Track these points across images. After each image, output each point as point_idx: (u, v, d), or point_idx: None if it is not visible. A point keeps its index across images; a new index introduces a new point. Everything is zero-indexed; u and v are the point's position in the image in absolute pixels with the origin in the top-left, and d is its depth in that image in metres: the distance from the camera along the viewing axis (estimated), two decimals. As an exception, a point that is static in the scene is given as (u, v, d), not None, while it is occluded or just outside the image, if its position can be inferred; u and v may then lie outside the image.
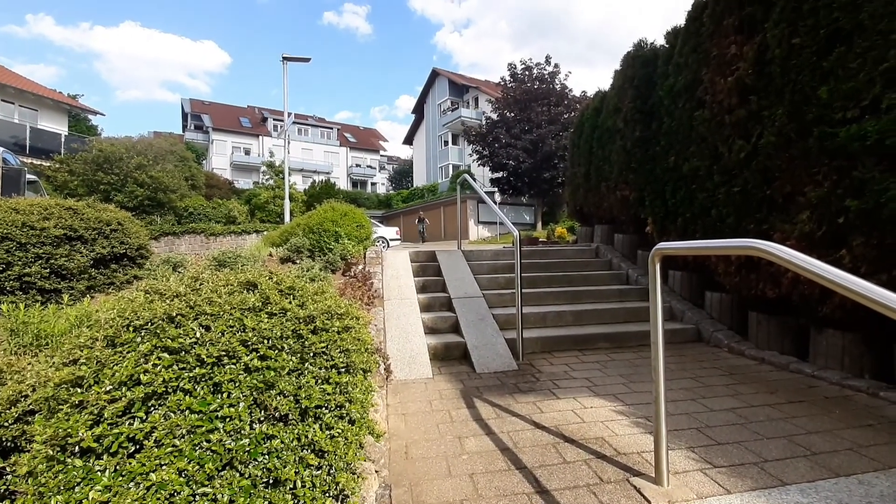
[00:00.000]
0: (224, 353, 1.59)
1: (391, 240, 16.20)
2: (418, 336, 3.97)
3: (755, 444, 2.28)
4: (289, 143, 16.99)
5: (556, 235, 11.67)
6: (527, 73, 23.08)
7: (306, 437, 1.47)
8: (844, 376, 3.23)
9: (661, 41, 5.81)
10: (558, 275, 5.64)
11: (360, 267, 5.25)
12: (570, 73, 26.47)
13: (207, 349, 1.59)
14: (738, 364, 3.73)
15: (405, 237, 27.90)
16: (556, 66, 22.93)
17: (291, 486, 1.36)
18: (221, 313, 1.73)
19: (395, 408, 2.86)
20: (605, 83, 7.63)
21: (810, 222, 3.46)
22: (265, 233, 15.07)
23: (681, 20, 5.24)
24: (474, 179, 6.91)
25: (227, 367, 1.56)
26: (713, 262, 4.67)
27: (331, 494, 1.48)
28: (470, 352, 3.78)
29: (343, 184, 46.11)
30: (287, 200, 15.99)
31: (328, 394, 1.54)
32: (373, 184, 50.70)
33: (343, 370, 1.67)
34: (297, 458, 1.42)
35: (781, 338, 3.93)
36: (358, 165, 49.59)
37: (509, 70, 23.50)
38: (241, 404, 1.47)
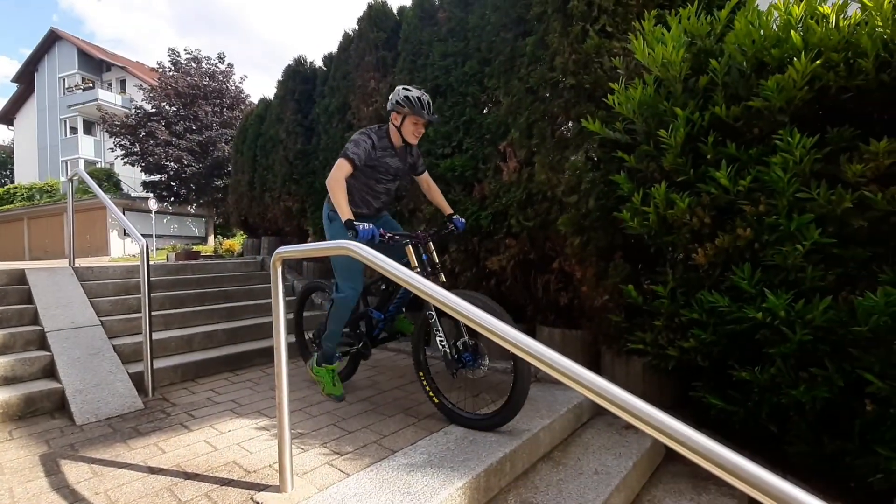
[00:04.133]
0: None
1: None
2: (-27, 392, 2.69)
3: (379, 424, 2.58)
4: None
5: (224, 249, 10.67)
6: (193, 64, 20.42)
7: None
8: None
9: (319, 63, 6.15)
10: (214, 291, 5.06)
11: None
12: (245, 76, 25.16)
13: None
14: (380, 357, 4.24)
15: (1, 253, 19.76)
16: (230, 65, 21.23)
17: None
18: None
19: None
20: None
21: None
22: None
23: (333, 47, 5.70)
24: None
25: None
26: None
27: None
28: (69, 399, 2.82)
29: None
30: None
31: None
32: (-67, 173, 33.54)
33: None
34: None
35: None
36: None
37: (170, 56, 20.21)
38: None
